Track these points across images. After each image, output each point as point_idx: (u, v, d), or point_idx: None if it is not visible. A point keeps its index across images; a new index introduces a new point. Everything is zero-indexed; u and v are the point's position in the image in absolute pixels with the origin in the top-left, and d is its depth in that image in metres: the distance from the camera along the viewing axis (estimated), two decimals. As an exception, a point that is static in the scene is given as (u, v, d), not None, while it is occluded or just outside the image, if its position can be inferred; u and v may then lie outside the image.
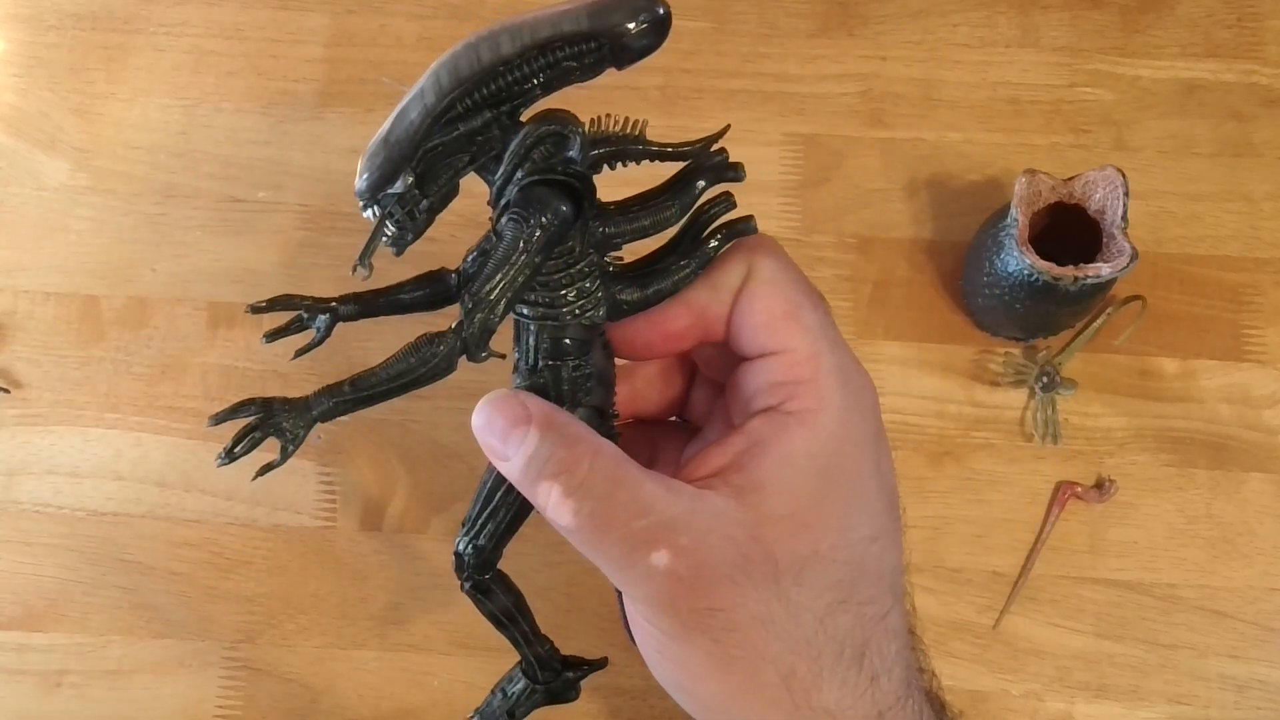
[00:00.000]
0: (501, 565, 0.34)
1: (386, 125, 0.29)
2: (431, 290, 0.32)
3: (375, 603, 0.55)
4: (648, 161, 0.30)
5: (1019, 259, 0.51)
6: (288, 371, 0.58)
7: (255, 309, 0.31)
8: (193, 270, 0.60)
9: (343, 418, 0.30)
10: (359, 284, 0.30)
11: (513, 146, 0.29)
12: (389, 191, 0.29)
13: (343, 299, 0.31)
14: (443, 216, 0.30)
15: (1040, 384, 0.56)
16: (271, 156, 0.62)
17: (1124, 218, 0.51)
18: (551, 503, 0.29)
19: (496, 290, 0.29)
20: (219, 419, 0.30)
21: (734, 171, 0.31)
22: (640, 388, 0.36)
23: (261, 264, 0.60)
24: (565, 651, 0.38)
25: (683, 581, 0.28)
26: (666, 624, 0.29)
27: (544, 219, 0.29)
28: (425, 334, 0.29)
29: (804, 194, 0.61)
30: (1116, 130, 0.62)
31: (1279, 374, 0.57)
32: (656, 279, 0.31)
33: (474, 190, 0.30)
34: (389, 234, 0.29)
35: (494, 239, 0.30)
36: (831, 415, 0.30)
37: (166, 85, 0.63)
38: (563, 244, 0.30)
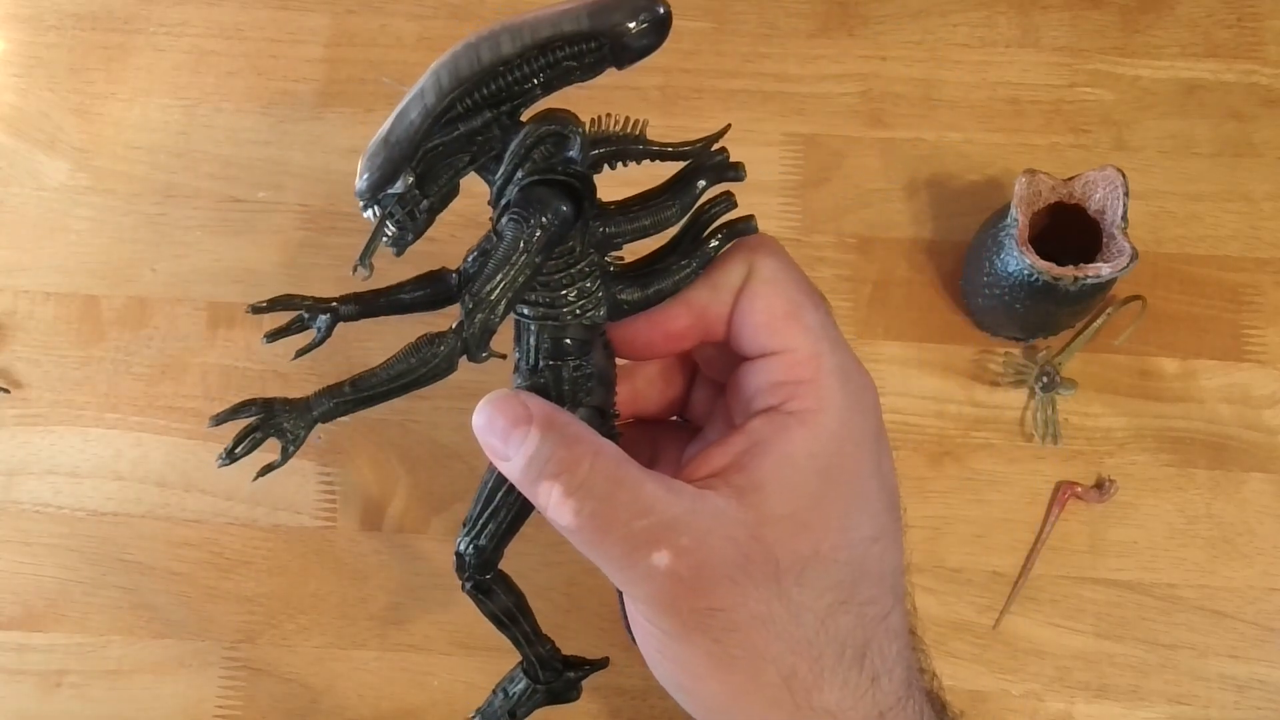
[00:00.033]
0: (502, 565, 0.34)
1: (387, 125, 0.29)
2: (432, 290, 0.32)
3: (375, 603, 0.55)
4: (648, 161, 0.30)
5: (1019, 259, 0.51)
6: (288, 371, 0.58)
7: (256, 309, 0.31)
8: (193, 270, 0.60)
9: (343, 418, 0.30)
10: (359, 284, 0.30)
11: (513, 146, 0.29)
12: (389, 192, 0.29)
13: (343, 299, 0.31)
14: (443, 216, 0.30)
15: (1040, 384, 0.56)
16: (271, 156, 0.62)
17: (1124, 218, 0.51)
18: (552, 503, 0.29)
19: (497, 290, 0.29)
20: (220, 420, 0.30)
21: (734, 171, 0.31)
22: (641, 387, 0.36)
23: (261, 264, 0.60)
24: (565, 651, 0.38)
25: (683, 581, 0.28)
26: (667, 624, 0.29)
27: (544, 219, 0.29)
28: (426, 334, 0.29)
29: (804, 194, 0.61)
30: (1116, 130, 0.62)
31: (1279, 374, 0.57)
32: (657, 279, 0.31)
33: (474, 190, 0.30)
34: (389, 234, 0.29)
35: (494, 239, 0.30)
36: (832, 415, 0.30)
37: (166, 85, 0.63)
38: (563, 244, 0.30)
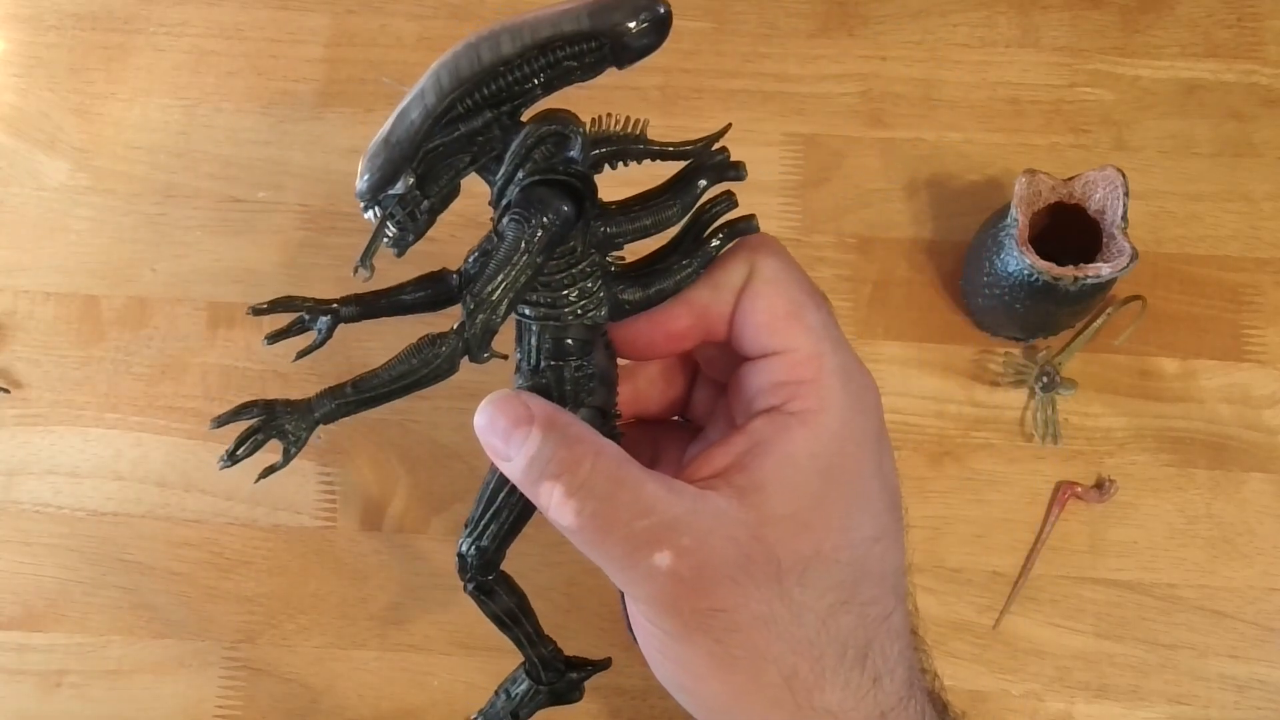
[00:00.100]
0: (503, 566, 0.34)
1: (387, 126, 0.29)
2: (433, 291, 0.32)
3: (375, 603, 0.55)
4: (649, 161, 0.30)
5: (1019, 259, 0.51)
6: (288, 372, 0.58)
7: (256, 311, 0.31)
8: (193, 270, 0.60)
9: (344, 418, 0.30)
10: (360, 285, 0.30)
11: (514, 147, 0.29)
12: (390, 192, 0.29)
13: (344, 300, 0.31)
14: (443, 217, 0.30)
15: (1040, 384, 0.56)
16: (271, 156, 0.62)
17: (1124, 218, 0.51)
18: (553, 503, 0.29)
19: (498, 291, 0.29)
20: (221, 421, 0.30)
21: (735, 170, 0.31)
22: (642, 387, 0.36)
23: (261, 264, 0.60)
24: (566, 652, 0.38)
25: (685, 582, 0.28)
26: (668, 624, 0.29)
27: (545, 219, 0.29)
28: (427, 335, 0.29)
29: (804, 194, 0.61)
30: (1116, 130, 0.62)
31: (1279, 374, 0.57)
32: (658, 278, 0.31)
33: (475, 190, 0.30)
34: (390, 235, 0.29)
35: (495, 239, 0.30)
36: (834, 415, 0.30)
37: (166, 85, 0.63)
38: (564, 244, 0.30)
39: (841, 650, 0.29)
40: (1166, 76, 0.63)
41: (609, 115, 0.30)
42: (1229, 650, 0.54)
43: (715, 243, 0.31)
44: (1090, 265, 0.51)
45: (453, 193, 0.30)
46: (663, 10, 0.27)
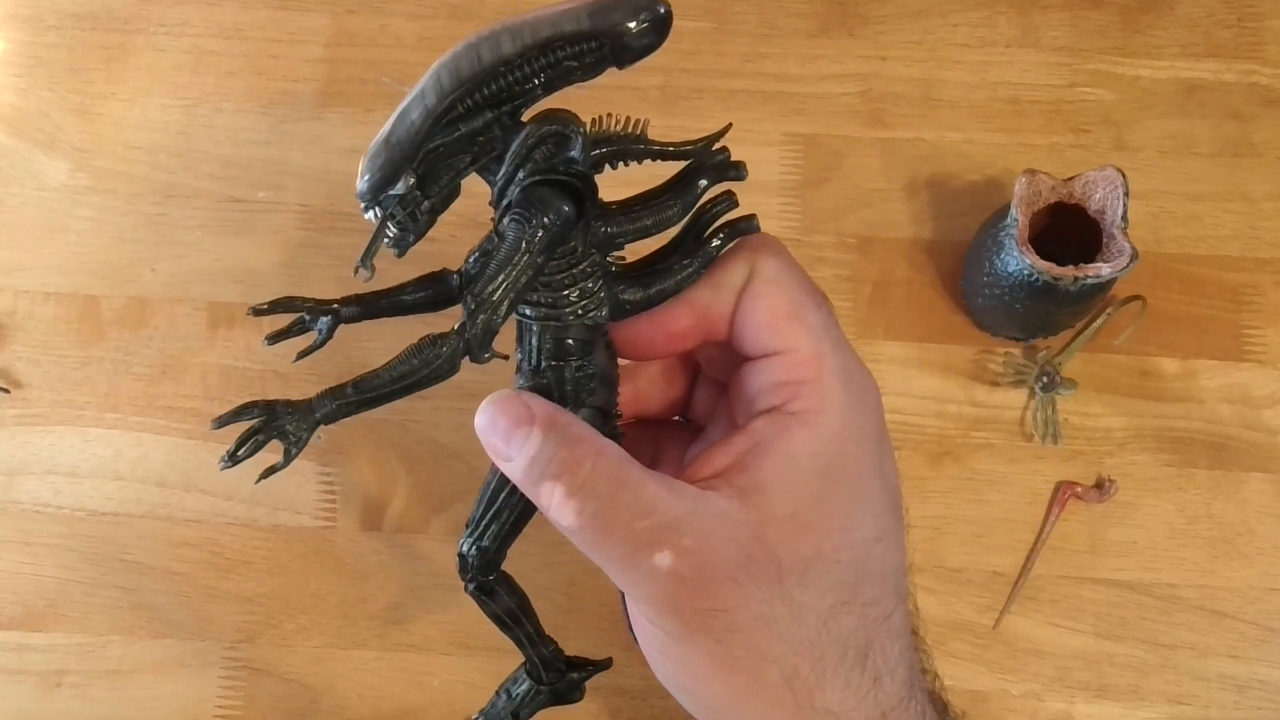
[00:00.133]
0: (503, 566, 0.34)
1: (388, 126, 0.29)
2: (434, 291, 0.32)
3: (375, 603, 0.55)
4: (649, 161, 0.30)
5: (1019, 259, 0.51)
6: (288, 372, 0.58)
7: (257, 311, 0.31)
8: (193, 270, 0.60)
9: (345, 419, 0.30)
10: (360, 285, 0.30)
11: (514, 147, 0.29)
12: (390, 193, 0.29)
13: (344, 300, 0.31)
14: (444, 217, 0.30)
15: (1040, 384, 0.56)
16: (271, 156, 0.62)
17: (1124, 218, 0.51)
18: (554, 503, 0.29)
19: (499, 291, 0.29)
20: (221, 422, 0.30)
21: (736, 170, 0.31)
22: (643, 388, 0.36)
23: (261, 264, 0.60)
24: (566, 651, 0.38)
25: (685, 582, 0.28)
26: (669, 625, 0.29)
27: (546, 219, 0.29)
28: (428, 335, 0.29)
29: (804, 194, 0.61)
30: (1116, 130, 0.62)
31: (1279, 374, 0.57)
32: (659, 278, 0.31)
33: (475, 190, 0.30)
34: (390, 235, 0.29)
35: (496, 240, 0.30)
36: (834, 415, 0.30)
37: (166, 85, 0.63)
38: (565, 244, 0.30)
39: (842, 650, 0.29)
40: (1166, 76, 0.63)
41: (609, 115, 0.30)
42: (1229, 650, 0.54)
43: (716, 243, 0.31)
44: (1090, 265, 0.51)
45: (453, 193, 0.30)
46: (663, 10, 0.27)
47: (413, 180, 0.28)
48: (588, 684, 0.38)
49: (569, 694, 0.38)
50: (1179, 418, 0.57)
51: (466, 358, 0.29)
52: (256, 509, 0.56)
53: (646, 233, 0.31)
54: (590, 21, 0.27)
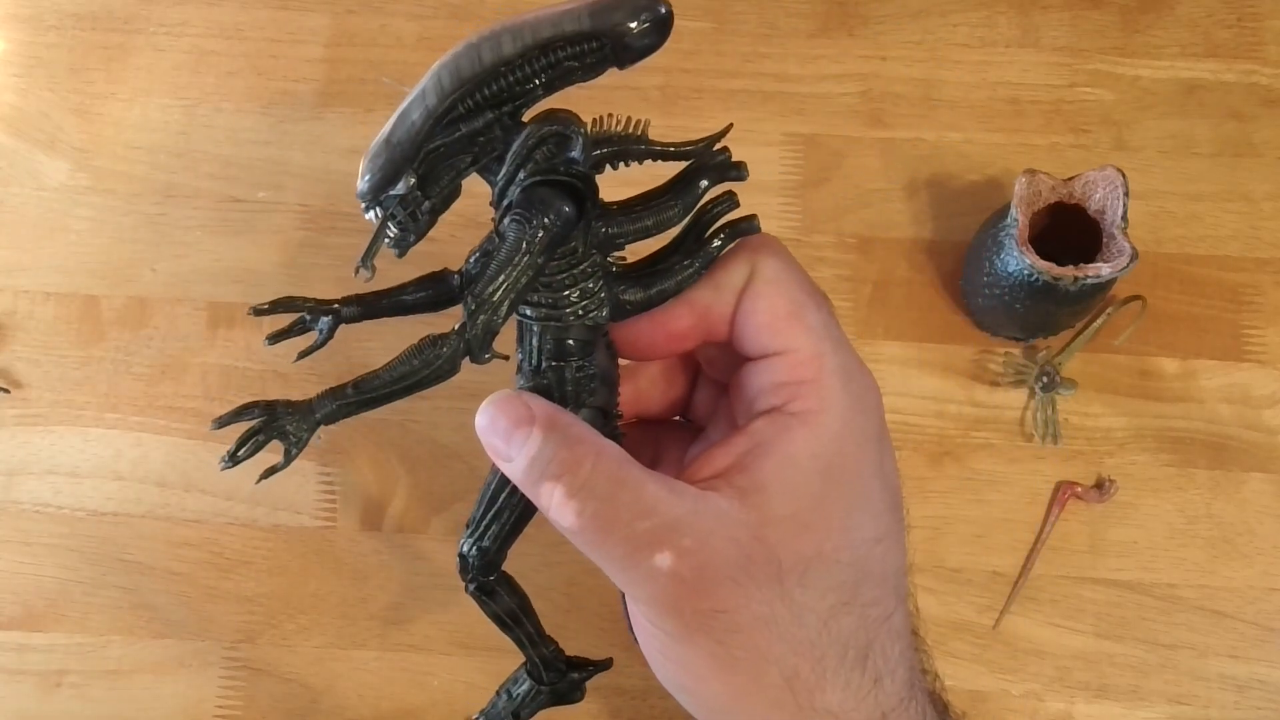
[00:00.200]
0: (503, 566, 0.34)
1: (388, 126, 0.28)
2: (434, 291, 0.32)
3: (375, 603, 0.55)
4: (650, 161, 0.30)
5: (1019, 259, 0.51)
6: (288, 372, 0.58)
7: (257, 311, 0.31)
8: (193, 270, 0.60)
9: (345, 419, 0.30)
10: (361, 285, 0.30)
11: (515, 147, 0.29)
12: (391, 193, 0.29)
13: (345, 301, 0.31)
14: (444, 217, 0.30)
15: (1040, 384, 0.56)
16: (271, 156, 0.62)
17: (1124, 218, 0.51)
18: (554, 503, 0.29)
19: (499, 291, 0.29)
20: (222, 423, 0.30)
21: (736, 170, 0.31)
22: (644, 388, 0.36)
23: (261, 264, 0.60)
24: (567, 652, 0.38)
25: (686, 583, 0.28)
26: (669, 625, 0.29)
27: (547, 219, 0.29)
28: (428, 336, 0.29)
29: (804, 194, 0.61)
30: (1116, 130, 0.62)
31: (1279, 374, 0.58)
32: (660, 279, 0.31)
33: (475, 190, 0.30)
34: (391, 235, 0.29)
35: (496, 240, 0.30)
36: (835, 416, 0.30)
37: (166, 85, 0.63)
38: (566, 244, 0.30)
39: (842, 651, 0.29)
40: (1166, 76, 0.63)
41: (610, 115, 0.30)
42: (1229, 650, 0.54)
43: (716, 243, 0.31)
44: (1090, 265, 0.51)
45: (454, 193, 0.30)
46: (664, 10, 0.27)
47: (413, 180, 0.28)
48: (588, 684, 0.38)
49: (569, 694, 0.38)
50: (1179, 418, 0.57)
51: (467, 358, 0.29)
52: (256, 509, 0.56)
53: (647, 233, 0.31)
54: (591, 22, 0.27)
